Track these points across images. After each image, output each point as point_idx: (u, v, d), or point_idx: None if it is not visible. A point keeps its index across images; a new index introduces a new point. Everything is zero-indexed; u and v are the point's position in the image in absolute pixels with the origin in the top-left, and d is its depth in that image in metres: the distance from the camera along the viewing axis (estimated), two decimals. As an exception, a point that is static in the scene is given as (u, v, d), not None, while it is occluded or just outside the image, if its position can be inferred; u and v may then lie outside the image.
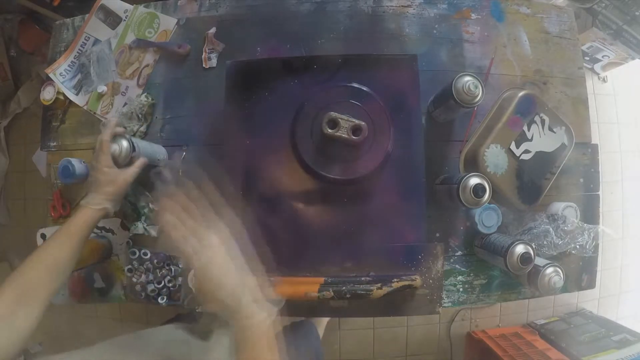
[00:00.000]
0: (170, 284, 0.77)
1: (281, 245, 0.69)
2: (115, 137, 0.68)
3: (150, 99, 0.81)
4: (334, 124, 0.62)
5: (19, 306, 0.51)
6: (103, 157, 0.65)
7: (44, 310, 0.55)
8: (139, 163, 0.70)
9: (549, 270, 0.66)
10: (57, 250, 0.59)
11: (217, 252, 0.46)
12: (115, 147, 0.67)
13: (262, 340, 0.45)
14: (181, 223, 0.46)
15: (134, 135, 0.80)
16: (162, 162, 0.78)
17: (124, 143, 0.68)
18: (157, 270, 0.77)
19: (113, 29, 0.86)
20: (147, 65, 0.83)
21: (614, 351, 1.33)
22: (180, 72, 0.83)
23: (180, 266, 0.77)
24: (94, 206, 0.64)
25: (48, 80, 0.87)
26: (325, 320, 1.53)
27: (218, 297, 0.45)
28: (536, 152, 0.73)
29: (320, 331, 1.40)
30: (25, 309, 0.52)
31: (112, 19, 0.86)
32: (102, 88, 0.84)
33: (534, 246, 0.66)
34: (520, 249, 0.65)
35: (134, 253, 0.77)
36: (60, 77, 0.87)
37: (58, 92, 0.86)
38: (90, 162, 0.69)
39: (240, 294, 0.46)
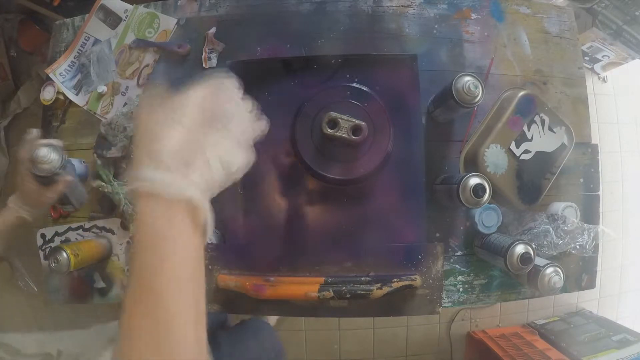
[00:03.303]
0: (170, 284, 0.77)
1: (281, 245, 0.69)
2: (50, 146, 0.66)
3: (150, 99, 0.81)
4: (334, 124, 0.62)
5: None
6: (25, 175, 0.64)
7: None
8: (64, 181, 0.67)
9: (549, 270, 0.66)
10: None
11: None
12: (44, 152, 0.64)
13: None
14: None
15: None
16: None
17: (54, 155, 0.65)
18: (157, 270, 0.77)
19: (113, 29, 0.86)
20: (147, 65, 0.83)
21: (614, 351, 1.33)
22: (180, 72, 0.83)
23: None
24: (16, 212, 0.66)
25: (48, 80, 0.87)
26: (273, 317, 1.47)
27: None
28: (536, 152, 0.73)
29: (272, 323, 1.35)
30: None
31: (112, 19, 0.86)
32: (102, 88, 0.84)
33: (534, 246, 0.66)
34: (520, 249, 0.65)
35: (134, 253, 0.77)
36: (60, 77, 0.87)
37: (58, 92, 0.86)
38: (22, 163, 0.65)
39: None
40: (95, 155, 0.80)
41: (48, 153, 0.64)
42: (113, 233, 0.82)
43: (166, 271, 0.31)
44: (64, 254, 0.71)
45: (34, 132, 0.66)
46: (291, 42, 0.80)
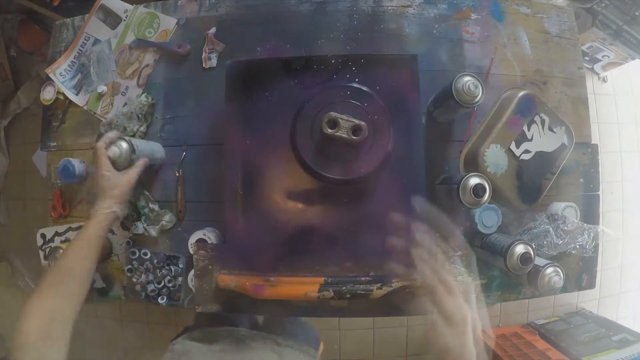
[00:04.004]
0: (170, 284, 0.77)
1: (281, 245, 0.69)
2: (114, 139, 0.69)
3: (150, 99, 0.81)
4: (334, 124, 0.62)
5: (46, 342, 0.51)
6: (101, 162, 0.66)
7: (71, 332, 0.55)
8: (141, 163, 0.71)
9: (549, 270, 0.66)
10: (77, 262, 0.61)
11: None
12: (114, 150, 0.67)
13: None
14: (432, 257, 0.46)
15: (133, 135, 0.80)
16: (160, 160, 0.78)
17: (123, 145, 0.68)
18: (157, 270, 0.77)
19: (113, 29, 0.86)
20: (147, 65, 0.83)
21: (614, 351, 1.34)
22: (180, 72, 0.83)
23: (180, 266, 0.77)
24: (104, 210, 0.65)
25: (48, 80, 0.87)
26: None
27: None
28: (536, 152, 0.73)
29: None
30: (53, 345, 0.51)
31: (112, 19, 0.86)
32: (102, 88, 0.84)
33: (534, 246, 0.66)
34: (520, 249, 0.65)
35: (134, 253, 0.77)
36: (60, 77, 0.87)
37: (58, 92, 0.86)
38: (91, 171, 0.69)
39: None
40: (95, 155, 0.80)
41: (116, 149, 0.68)
42: (113, 233, 0.82)
43: None
44: (64, 254, 0.71)
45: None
46: (291, 42, 0.80)
